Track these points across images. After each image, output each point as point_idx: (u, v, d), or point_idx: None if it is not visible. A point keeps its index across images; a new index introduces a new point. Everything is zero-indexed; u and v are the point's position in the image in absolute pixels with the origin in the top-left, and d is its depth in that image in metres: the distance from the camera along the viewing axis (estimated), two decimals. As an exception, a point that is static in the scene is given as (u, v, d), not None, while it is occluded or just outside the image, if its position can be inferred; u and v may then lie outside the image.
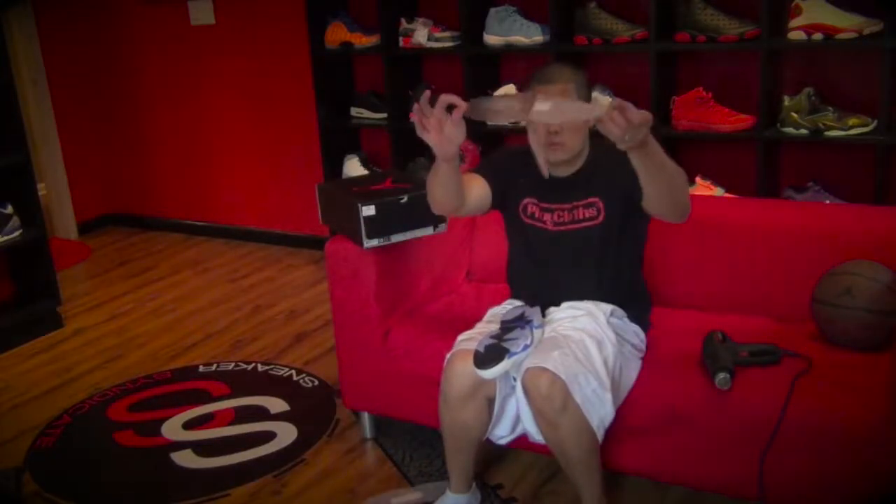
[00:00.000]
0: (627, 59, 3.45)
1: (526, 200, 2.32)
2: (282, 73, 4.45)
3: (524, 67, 3.69)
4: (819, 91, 3.01)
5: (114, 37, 5.02)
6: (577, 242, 2.27)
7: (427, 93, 1.93)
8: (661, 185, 1.98)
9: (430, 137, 1.95)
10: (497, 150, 2.44)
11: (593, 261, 2.28)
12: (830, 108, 2.97)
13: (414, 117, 1.94)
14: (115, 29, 5.00)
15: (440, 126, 1.93)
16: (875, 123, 2.93)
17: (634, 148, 1.83)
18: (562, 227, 2.28)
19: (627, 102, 1.75)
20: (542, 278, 2.34)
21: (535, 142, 2.18)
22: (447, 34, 3.70)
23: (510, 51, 3.57)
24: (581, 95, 2.17)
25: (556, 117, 1.94)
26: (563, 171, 2.27)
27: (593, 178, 2.26)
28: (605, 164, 2.25)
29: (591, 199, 2.25)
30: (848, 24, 2.88)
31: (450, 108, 1.92)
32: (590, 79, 3.43)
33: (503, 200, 2.33)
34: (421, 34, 3.72)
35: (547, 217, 2.29)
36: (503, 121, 2.19)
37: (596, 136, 2.22)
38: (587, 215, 2.26)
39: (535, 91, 2.12)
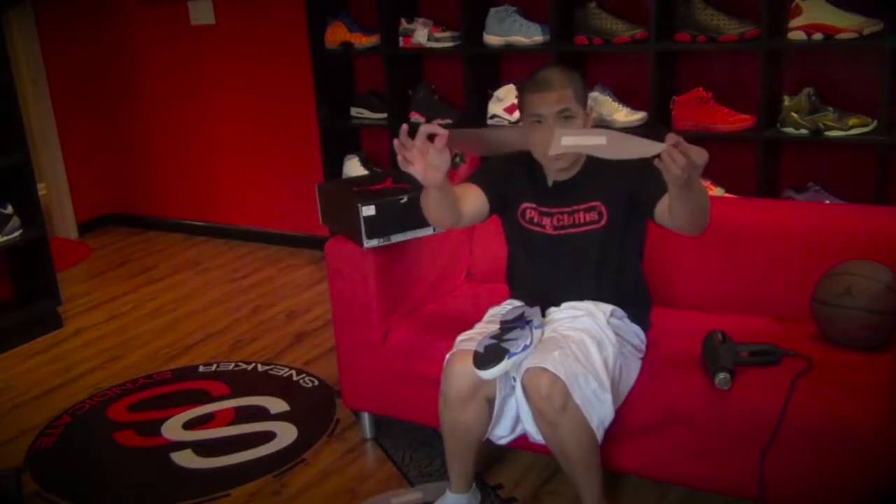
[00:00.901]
0: (627, 59, 3.45)
1: (524, 205, 2.31)
2: (282, 73, 4.45)
3: (524, 67, 3.67)
4: (819, 91, 3.01)
5: (114, 37, 5.02)
6: (577, 246, 2.27)
7: (405, 126, 1.92)
8: (693, 210, 1.96)
9: (414, 169, 1.94)
10: (487, 164, 2.43)
11: (594, 263, 2.28)
12: (830, 108, 2.97)
13: (396, 148, 1.93)
14: (115, 29, 5.00)
15: (423, 156, 1.93)
16: (875, 123, 2.93)
17: (685, 184, 1.80)
18: (561, 231, 2.27)
19: (679, 137, 1.74)
20: (542, 280, 2.34)
21: (534, 151, 2.18)
22: (447, 34, 3.70)
23: (510, 51, 3.57)
24: (579, 99, 2.16)
25: (615, 153, 1.88)
26: (562, 175, 2.26)
27: (594, 180, 2.25)
28: (604, 167, 2.23)
29: (592, 203, 2.24)
30: (848, 24, 2.88)
31: (430, 137, 1.92)
32: (590, 79, 3.48)
33: (501, 205, 2.33)
34: (421, 34, 3.72)
35: (546, 221, 2.29)
36: (494, 153, 2.17)
37: None
38: (588, 219, 2.25)
39: (532, 114, 2.14)
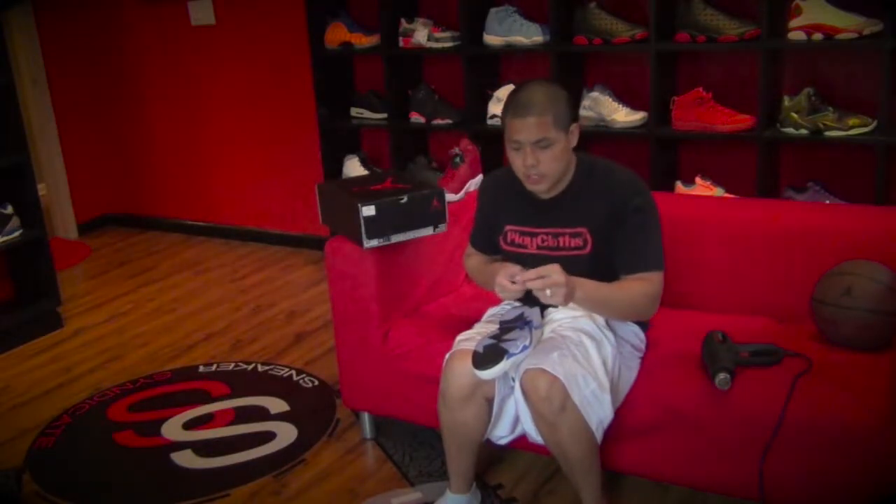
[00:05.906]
0: (627, 59, 3.45)
1: (507, 228, 2.30)
2: (282, 73, 4.45)
3: (524, 68, 3.69)
4: (819, 91, 3.01)
5: (114, 37, 5.02)
6: (563, 265, 2.24)
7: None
8: (606, 315, 2.22)
9: (514, 291, 2.08)
10: (477, 204, 2.46)
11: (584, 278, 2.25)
12: (830, 108, 2.97)
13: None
14: (115, 29, 5.00)
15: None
16: (875, 123, 2.93)
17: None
18: (545, 252, 2.24)
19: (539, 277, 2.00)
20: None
21: (516, 171, 2.17)
22: (447, 34, 3.70)
23: (510, 51, 3.57)
24: (560, 123, 2.08)
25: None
26: (546, 193, 2.22)
27: (580, 203, 2.20)
28: (593, 191, 2.20)
29: (578, 229, 2.20)
30: (848, 24, 2.88)
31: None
32: (590, 79, 3.48)
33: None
34: (421, 34, 3.72)
35: (528, 241, 2.26)
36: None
37: (578, 151, 2.21)
38: (573, 244, 2.21)
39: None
